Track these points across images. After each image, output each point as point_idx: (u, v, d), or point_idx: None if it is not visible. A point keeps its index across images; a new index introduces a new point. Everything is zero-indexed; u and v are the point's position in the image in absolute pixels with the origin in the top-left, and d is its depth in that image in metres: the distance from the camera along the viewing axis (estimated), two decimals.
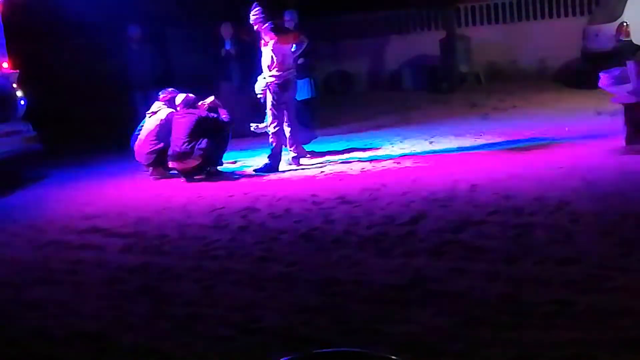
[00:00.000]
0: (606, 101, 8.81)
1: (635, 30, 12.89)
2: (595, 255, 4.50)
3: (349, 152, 9.66)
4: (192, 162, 8.42)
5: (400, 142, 10.12)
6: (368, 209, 6.25)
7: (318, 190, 7.28)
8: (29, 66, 10.08)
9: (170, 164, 8.61)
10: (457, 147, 9.16)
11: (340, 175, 7.96)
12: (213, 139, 8.49)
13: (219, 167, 8.82)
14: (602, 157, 7.47)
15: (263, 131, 9.14)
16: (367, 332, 3.74)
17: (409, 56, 18.30)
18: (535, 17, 17.99)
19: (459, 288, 4.18)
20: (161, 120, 8.89)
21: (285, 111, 8.69)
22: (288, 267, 4.90)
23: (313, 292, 4.42)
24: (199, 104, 8.86)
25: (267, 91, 8.67)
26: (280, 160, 8.74)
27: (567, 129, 8.66)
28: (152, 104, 9.36)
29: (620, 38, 13.24)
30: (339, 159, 9.08)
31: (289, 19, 9.80)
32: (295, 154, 8.87)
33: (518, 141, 9.10)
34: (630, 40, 13.02)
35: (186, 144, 8.33)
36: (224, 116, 8.78)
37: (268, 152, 8.71)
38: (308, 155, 9.34)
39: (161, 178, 8.87)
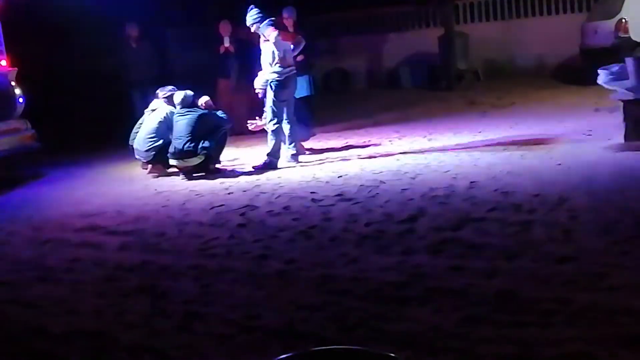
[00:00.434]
0: (605, 98, 8.81)
1: (634, 27, 12.88)
2: (594, 252, 4.50)
3: (347, 149, 9.66)
4: (195, 161, 8.42)
5: (399, 139, 10.12)
6: (367, 207, 6.25)
7: (317, 187, 7.28)
8: (27, 64, 10.06)
9: (172, 162, 8.60)
10: (456, 144, 9.15)
11: (339, 173, 7.95)
12: (214, 137, 8.50)
13: (217, 165, 8.82)
14: (601, 154, 7.46)
15: (260, 128, 9.14)
16: (365, 330, 3.74)
17: (408, 53, 18.28)
18: (533, 14, 17.98)
19: (458, 285, 4.18)
20: (160, 117, 8.88)
21: (285, 108, 8.69)
22: (287, 265, 4.90)
23: (312, 289, 4.42)
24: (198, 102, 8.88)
25: (268, 88, 8.66)
26: (278, 157, 8.73)
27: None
28: (150, 102, 9.35)
29: (619, 34, 13.24)
30: (338, 156, 9.08)
31: (288, 17, 9.79)
32: (294, 152, 8.86)
33: (516, 138, 9.09)
34: (629, 37, 13.01)
35: (189, 142, 8.33)
36: (221, 114, 8.79)
37: (267, 149, 8.71)
38: (307, 153, 9.35)
39: (160, 175, 8.86)
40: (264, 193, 7.25)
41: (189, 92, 8.83)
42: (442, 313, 3.83)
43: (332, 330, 3.80)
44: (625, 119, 7.64)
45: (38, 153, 9.77)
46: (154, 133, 8.82)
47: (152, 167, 8.98)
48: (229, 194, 7.45)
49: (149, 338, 3.98)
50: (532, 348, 3.36)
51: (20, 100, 9.62)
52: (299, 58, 9.02)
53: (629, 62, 7.64)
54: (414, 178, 7.27)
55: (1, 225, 7.06)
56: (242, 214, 6.45)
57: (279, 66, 8.54)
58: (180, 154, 8.40)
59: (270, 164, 8.58)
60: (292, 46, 8.79)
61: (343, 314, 3.96)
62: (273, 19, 8.66)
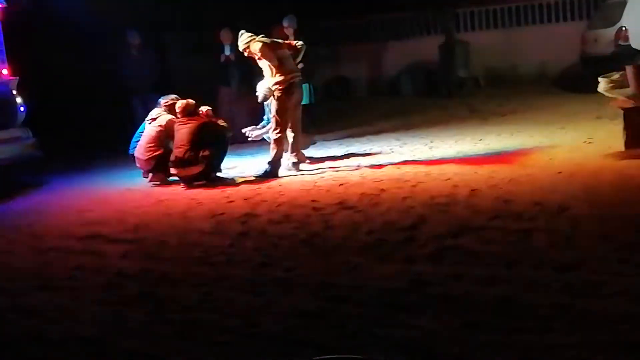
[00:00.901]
0: (606, 106, 8.82)
1: (634, 35, 12.90)
2: (595, 260, 4.49)
3: (348, 157, 9.68)
4: (195, 169, 8.43)
5: (400, 147, 10.13)
6: (368, 215, 6.25)
7: (318, 195, 7.28)
8: (28, 73, 10.09)
9: (172, 171, 8.62)
10: (457, 152, 9.16)
11: (340, 181, 7.96)
12: (214, 145, 8.51)
13: (218, 173, 8.83)
14: (601, 162, 7.47)
15: (259, 138, 9.16)
16: (366, 337, 3.74)
17: (408, 61, 18.31)
18: (534, 22, 18.02)
19: (458, 292, 4.18)
20: (161, 126, 8.90)
21: (289, 117, 8.70)
22: (287, 273, 4.90)
23: (312, 297, 4.42)
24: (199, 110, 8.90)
25: (272, 98, 8.69)
26: (280, 166, 8.75)
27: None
28: (151, 110, 9.37)
29: (619, 42, 13.26)
30: (339, 165, 9.09)
31: (287, 25, 9.84)
32: (296, 160, 8.88)
33: (517, 146, 9.10)
34: (629, 45, 13.04)
35: (189, 151, 8.35)
36: (221, 123, 8.82)
37: (268, 157, 8.72)
38: (308, 161, 9.36)
39: (161, 184, 8.88)
40: (265, 201, 7.26)
41: (191, 101, 8.86)
42: (442, 320, 3.83)
43: (333, 337, 3.79)
44: (625, 127, 7.65)
45: (39, 161, 9.79)
46: (154, 142, 8.84)
47: (153, 176, 9.00)
48: (229, 202, 7.46)
49: (148, 345, 3.98)
50: (531, 354, 3.36)
51: (22, 108, 9.65)
52: (299, 66, 9.05)
53: (629, 70, 7.66)
54: (414, 186, 7.28)
55: (3, 233, 7.07)
56: (243, 222, 6.45)
57: (279, 75, 8.56)
58: (181, 163, 8.42)
59: (271, 172, 8.60)
60: (289, 52, 8.82)
61: (343, 321, 3.96)
62: (262, 35, 8.71)
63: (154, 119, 9.09)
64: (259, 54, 8.55)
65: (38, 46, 13.79)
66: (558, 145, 8.76)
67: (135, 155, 9.05)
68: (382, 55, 19.11)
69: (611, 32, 13.58)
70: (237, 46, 9.00)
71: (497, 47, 17.72)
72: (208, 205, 7.38)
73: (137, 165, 9.08)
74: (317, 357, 2.17)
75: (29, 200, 8.94)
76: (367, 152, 9.99)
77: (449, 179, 7.45)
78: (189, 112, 8.72)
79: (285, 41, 9.08)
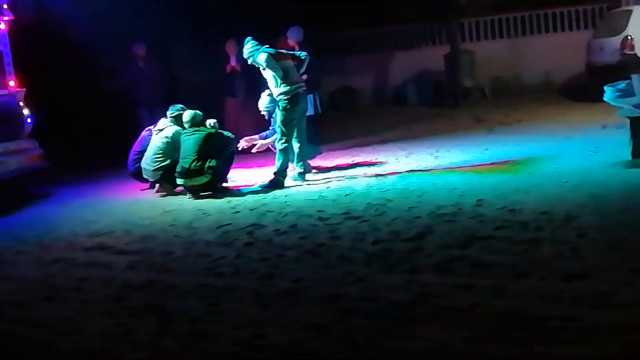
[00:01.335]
0: (612, 115, 8.80)
1: None
2: (603, 270, 4.47)
3: (354, 167, 9.68)
4: (202, 180, 8.44)
5: (406, 157, 10.13)
6: (374, 225, 6.24)
7: (324, 206, 7.28)
8: (35, 84, 10.13)
9: (179, 181, 8.63)
10: (463, 162, 9.15)
11: (346, 191, 7.96)
12: (221, 156, 8.53)
13: (224, 184, 8.84)
14: (608, 171, 7.45)
15: (265, 148, 9.17)
16: (373, 349, 3.73)
17: (414, 71, 18.37)
18: (539, 32, 18.06)
19: (466, 303, 4.16)
20: (167, 137, 8.91)
21: (295, 127, 8.71)
22: (294, 284, 4.89)
23: (319, 308, 4.41)
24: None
25: (277, 108, 8.71)
26: (285, 176, 8.75)
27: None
28: (157, 121, 9.39)
29: (625, 52, 13.27)
30: (345, 175, 9.09)
31: (292, 37, 9.87)
32: (302, 170, 8.88)
33: (523, 155, 9.09)
34: (635, 54, 13.06)
35: (196, 161, 8.36)
36: (228, 133, 8.83)
37: (274, 168, 8.72)
38: (313, 171, 9.36)
39: (167, 195, 8.89)
40: (271, 211, 7.26)
41: (199, 112, 8.87)
42: (449, 331, 3.81)
43: (340, 349, 3.78)
44: (632, 136, 7.64)
45: (46, 172, 9.82)
46: (161, 152, 8.86)
47: (160, 187, 9.01)
48: (236, 212, 7.46)
49: (156, 357, 3.97)
50: None
51: (29, 120, 9.69)
52: (304, 77, 9.06)
53: (635, 79, 7.65)
54: (421, 196, 7.27)
55: (10, 244, 7.08)
56: (249, 233, 6.45)
57: (285, 85, 8.58)
58: (188, 174, 8.43)
59: (277, 183, 8.60)
60: (294, 63, 8.85)
61: (350, 333, 3.94)
62: (267, 46, 8.73)
63: (160, 130, 9.10)
64: (264, 65, 8.58)
65: (45, 58, 13.84)
66: (564, 155, 8.75)
67: (141, 166, 9.06)
68: (388, 66, 19.15)
69: (617, 41, 13.59)
70: (242, 57, 9.03)
71: (503, 57, 17.76)
72: (214, 216, 7.38)
73: (144, 176, 9.08)
74: None
75: (35, 211, 8.95)
76: (373, 161, 9.99)
77: (455, 188, 7.45)
78: (197, 123, 8.74)
79: (290, 52, 9.11)
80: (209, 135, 8.59)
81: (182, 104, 9.40)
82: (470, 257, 5.02)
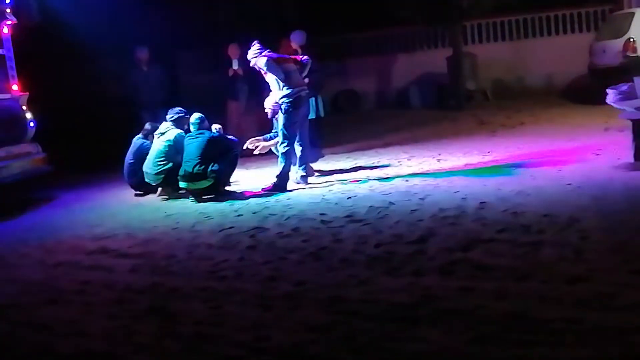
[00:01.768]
0: (614, 117, 8.80)
1: None
2: (605, 272, 4.47)
3: (356, 170, 9.68)
4: (204, 184, 8.45)
5: (408, 159, 10.13)
6: (376, 228, 6.24)
7: (326, 209, 7.29)
8: (38, 88, 10.15)
9: (181, 185, 8.63)
10: (465, 164, 9.15)
11: (348, 194, 7.96)
12: (223, 159, 8.53)
13: (227, 187, 8.84)
14: (610, 174, 7.45)
15: (267, 150, 9.17)
16: (376, 351, 3.73)
17: (417, 74, 18.38)
18: (541, 34, 18.06)
19: (468, 306, 4.16)
20: (169, 140, 8.92)
21: (297, 130, 8.72)
22: (296, 287, 4.89)
23: (321, 310, 4.41)
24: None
25: (279, 111, 8.71)
26: (288, 179, 8.75)
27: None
28: (160, 125, 9.40)
29: (627, 54, 13.26)
30: (347, 178, 9.09)
31: (294, 41, 9.88)
32: (304, 173, 8.89)
33: (526, 158, 9.09)
34: (637, 56, 13.05)
35: (199, 165, 8.37)
36: (230, 137, 8.84)
37: (276, 171, 8.73)
38: (316, 174, 9.36)
39: (170, 198, 8.89)
40: (273, 215, 7.26)
41: (201, 115, 8.88)
42: (452, 333, 3.81)
43: (343, 351, 3.78)
44: (634, 139, 7.63)
45: (49, 176, 9.83)
46: (163, 156, 8.87)
47: (162, 190, 9.02)
48: (238, 216, 7.47)
49: (158, 359, 3.98)
50: None
51: (31, 124, 9.70)
52: (305, 80, 9.07)
53: (638, 81, 7.65)
54: (423, 199, 7.27)
55: (13, 247, 7.09)
56: (252, 236, 6.46)
57: (287, 88, 8.60)
58: (190, 177, 8.44)
59: (279, 186, 8.60)
60: (296, 66, 8.86)
61: (353, 335, 3.95)
62: (269, 50, 8.74)
63: (162, 134, 9.11)
64: (265, 69, 8.60)
65: (48, 62, 13.87)
66: (566, 157, 8.74)
67: (143, 169, 9.06)
68: (391, 68, 19.17)
69: (619, 43, 13.58)
70: (245, 60, 9.05)
71: (505, 60, 17.77)
72: (217, 219, 7.39)
73: (146, 179, 9.09)
74: None
75: (38, 214, 8.96)
76: (376, 164, 9.99)
77: (457, 191, 7.45)
78: (199, 126, 8.75)
79: (292, 56, 9.12)
80: (212, 138, 8.61)
81: (184, 107, 9.41)
82: (472, 260, 5.02)
